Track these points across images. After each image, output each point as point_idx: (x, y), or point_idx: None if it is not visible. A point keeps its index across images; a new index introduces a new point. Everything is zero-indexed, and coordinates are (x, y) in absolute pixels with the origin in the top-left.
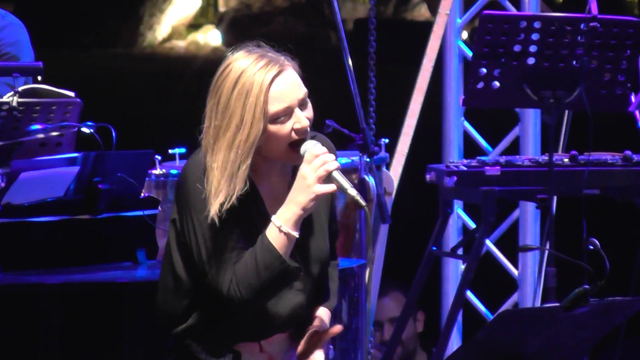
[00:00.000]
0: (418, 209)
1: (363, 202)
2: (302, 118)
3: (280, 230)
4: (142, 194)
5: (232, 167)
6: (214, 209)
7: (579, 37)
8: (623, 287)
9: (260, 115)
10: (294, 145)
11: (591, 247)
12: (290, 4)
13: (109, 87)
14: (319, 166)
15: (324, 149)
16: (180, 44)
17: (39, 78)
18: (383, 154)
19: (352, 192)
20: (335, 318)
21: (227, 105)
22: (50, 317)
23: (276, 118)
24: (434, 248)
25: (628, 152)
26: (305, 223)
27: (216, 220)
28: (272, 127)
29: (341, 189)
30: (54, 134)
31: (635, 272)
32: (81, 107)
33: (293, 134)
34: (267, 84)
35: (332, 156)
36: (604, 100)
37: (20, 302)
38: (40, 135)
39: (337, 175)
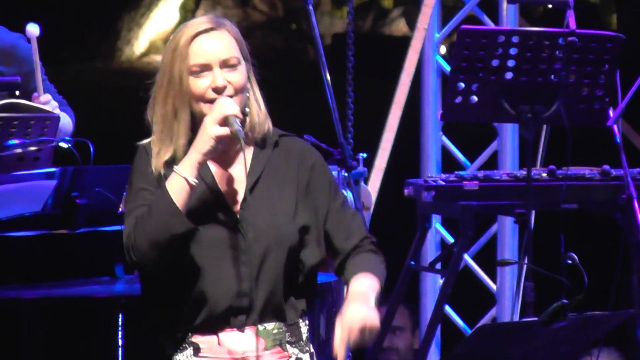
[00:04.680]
0: (396, 224)
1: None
2: (218, 78)
3: (176, 173)
4: (120, 209)
5: (168, 120)
6: (158, 165)
7: (557, 52)
8: (601, 301)
9: (184, 66)
10: (210, 103)
11: (569, 262)
12: (268, 18)
13: (86, 102)
14: (216, 111)
15: (229, 100)
16: (158, 58)
17: (17, 93)
18: (361, 168)
19: (241, 135)
20: (313, 332)
21: (163, 61)
22: (29, 331)
23: (195, 72)
24: (412, 262)
25: (606, 167)
26: (261, 198)
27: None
28: (191, 80)
29: (235, 134)
30: (32, 148)
31: (614, 286)
32: (59, 122)
33: (209, 91)
34: (192, 36)
35: (231, 101)
36: (582, 114)
37: None
38: (18, 150)
39: (233, 121)
